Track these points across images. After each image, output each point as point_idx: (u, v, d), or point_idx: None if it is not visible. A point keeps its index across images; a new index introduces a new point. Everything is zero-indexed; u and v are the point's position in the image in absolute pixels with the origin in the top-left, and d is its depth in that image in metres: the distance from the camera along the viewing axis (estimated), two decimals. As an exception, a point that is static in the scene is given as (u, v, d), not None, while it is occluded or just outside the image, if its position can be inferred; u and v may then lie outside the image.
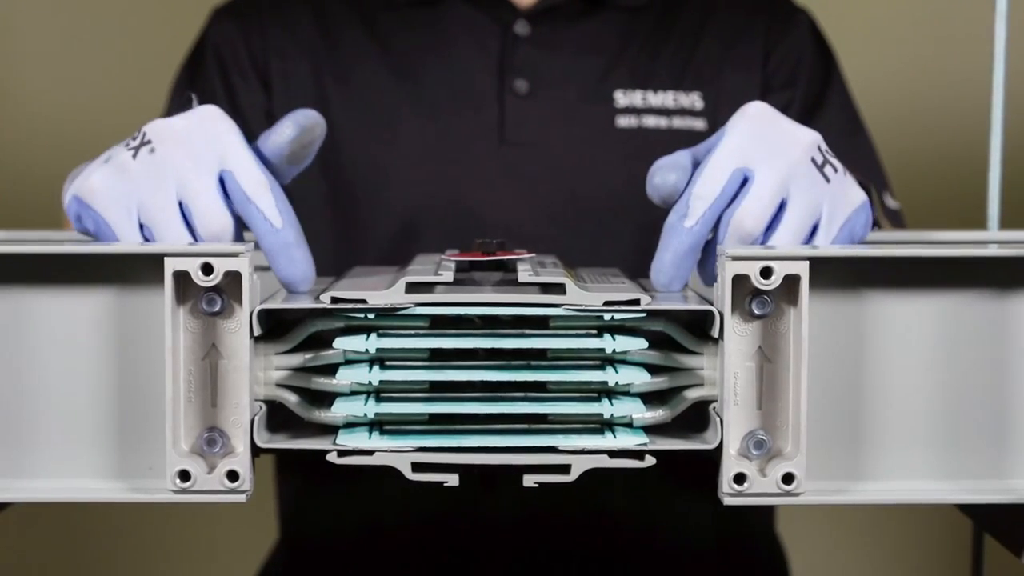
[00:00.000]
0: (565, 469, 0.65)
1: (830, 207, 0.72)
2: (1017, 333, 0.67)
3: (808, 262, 0.64)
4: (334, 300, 0.65)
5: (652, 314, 0.67)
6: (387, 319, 0.66)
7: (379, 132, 1.13)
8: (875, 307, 0.67)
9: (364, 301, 0.65)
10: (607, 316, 0.66)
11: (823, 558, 2.10)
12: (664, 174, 0.73)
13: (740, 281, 0.64)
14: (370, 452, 0.65)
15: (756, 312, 0.65)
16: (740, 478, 0.65)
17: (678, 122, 1.15)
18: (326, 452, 0.65)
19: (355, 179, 1.13)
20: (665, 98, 1.16)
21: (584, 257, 1.05)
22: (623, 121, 1.15)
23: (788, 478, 0.64)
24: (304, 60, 1.16)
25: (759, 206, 0.70)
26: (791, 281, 0.64)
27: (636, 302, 0.65)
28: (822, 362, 0.67)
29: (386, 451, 0.65)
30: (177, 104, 1.07)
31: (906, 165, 2.01)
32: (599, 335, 0.66)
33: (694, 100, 1.16)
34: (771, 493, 0.64)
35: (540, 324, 0.67)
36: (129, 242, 0.70)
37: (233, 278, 0.64)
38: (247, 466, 0.65)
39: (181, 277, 0.64)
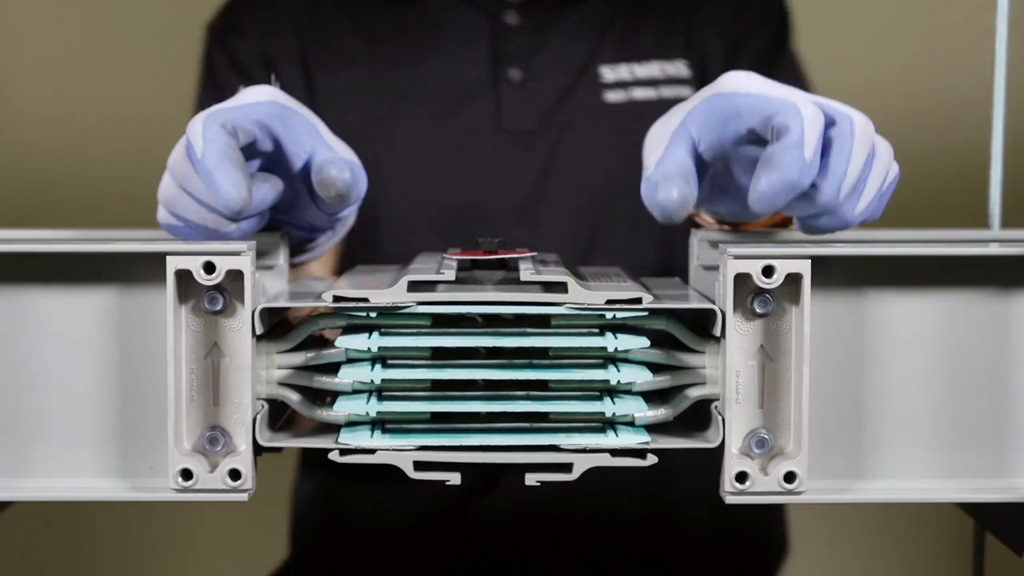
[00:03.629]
0: (567, 468, 0.65)
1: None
2: (1019, 332, 0.67)
3: (810, 261, 0.64)
4: (336, 299, 0.65)
5: (654, 313, 0.67)
6: (389, 318, 0.66)
7: (375, 129, 1.14)
8: (877, 306, 0.67)
9: (366, 300, 0.65)
10: (609, 315, 0.66)
11: (824, 557, 2.10)
12: (667, 189, 0.66)
13: (742, 280, 0.64)
14: (372, 451, 0.65)
15: (758, 311, 0.65)
16: (742, 477, 0.65)
17: (667, 92, 1.17)
18: (328, 451, 0.65)
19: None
20: (651, 69, 1.17)
21: (587, 236, 1.05)
22: (612, 96, 1.16)
23: (790, 477, 0.64)
24: (296, 61, 1.17)
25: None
26: (793, 280, 0.64)
27: (638, 301, 0.65)
28: (824, 361, 0.67)
29: (388, 450, 0.65)
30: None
31: (907, 164, 2.00)
32: (601, 334, 0.66)
33: (680, 68, 1.18)
34: (773, 492, 0.64)
35: (542, 323, 0.67)
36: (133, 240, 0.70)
37: (235, 277, 0.64)
38: (249, 465, 0.65)
39: (183, 276, 0.64)
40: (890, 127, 2.14)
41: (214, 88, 1.19)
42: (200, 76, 1.23)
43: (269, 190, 0.72)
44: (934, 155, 2.00)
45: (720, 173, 0.72)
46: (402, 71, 1.17)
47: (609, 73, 1.17)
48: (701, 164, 0.69)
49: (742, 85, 0.68)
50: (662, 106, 1.12)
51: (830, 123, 0.66)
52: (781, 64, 1.21)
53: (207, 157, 0.68)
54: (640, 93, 1.17)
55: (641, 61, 1.18)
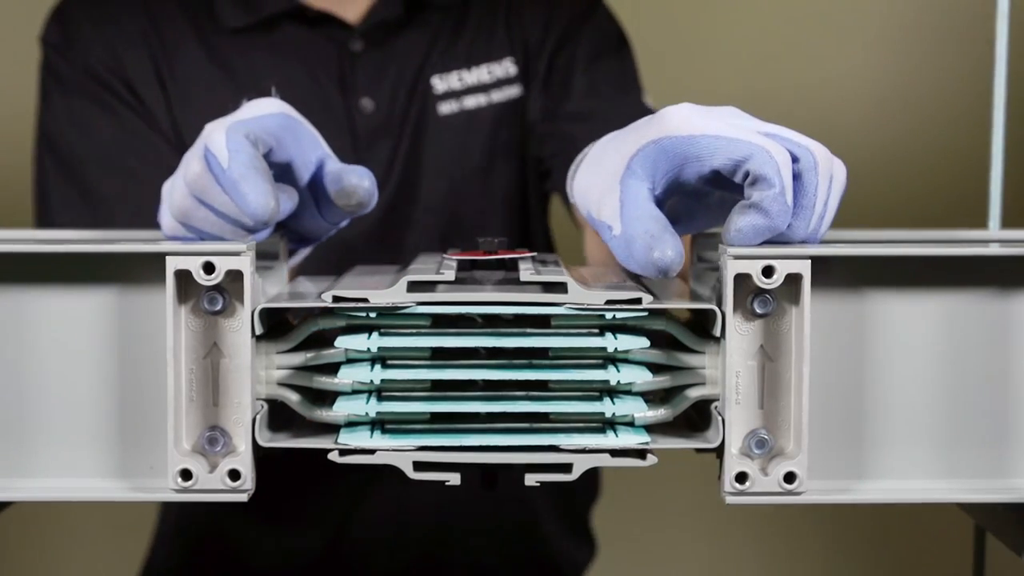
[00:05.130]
0: (567, 468, 0.65)
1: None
2: (1019, 332, 0.67)
3: (810, 261, 0.64)
4: (336, 299, 0.65)
5: (654, 313, 0.67)
6: (389, 318, 0.66)
7: None
8: (877, 306, 0.67)
9: (366, 300, 0.65)
10: (609, 315, 0.66)
11: (825, 557, 2.10)
12: (662, 249, 0.63)
13: (742, 280, 0.64)
14: (372, 451, 0.65)
15: (758, 311, 0.65)
16: (742, 477, 0.65)
17: (497, 95, 1.19)
18: (328, 451, 0.65)
19: None
20: (480, 73, 1.19)
21: (439, 251, 1.07)
22: (445, 108, 1.18)
23: (790, 477, 0.64)
24: (152, 78, 1.16)
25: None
26: (793, 280, 0.64)
27: (638, 301, 0.65)
28: (824, 361, 0.67)
29: (388, 450, 0.65)
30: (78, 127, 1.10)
31: (907, 164, 2.01)
32: (601, 334, 0.66)
33: (507, 67, 1.19)
34: (773, 492, 0.64)
35: (542, 323, 0.67)
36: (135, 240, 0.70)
37: (235, 277, 0.64)
38: (249, 465, 0.65)
39: (182, 276, 0.64)
40: (890, 127, 2.15)
41: (65, 97, 1.17)
42: (45, 87, 1.19)
43: (287, 200, 0.73)
44: (934, 155, 2.00)
45: (670, 205, 0.71)
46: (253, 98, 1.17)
47: (440, 84, 1.19)
48: (658, 205, 0.67)
49: (693, 126, 0.65)
50: (494, 110, 1.17)
51: (794, 159, 0.66)
52: (592, 23, 1.22)
53: (233, 168, 0.69)
54: (471, 101, 1.19)
55: (469, 67, 1.19)
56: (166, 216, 0.75)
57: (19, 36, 1.94)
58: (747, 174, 0.64)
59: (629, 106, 1.19)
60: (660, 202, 0.66)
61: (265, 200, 0.68)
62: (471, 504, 1.26)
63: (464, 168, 1.20)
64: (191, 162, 0.72)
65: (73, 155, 1.15)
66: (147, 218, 0.85)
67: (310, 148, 0.76)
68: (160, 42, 1.18)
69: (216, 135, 0.70)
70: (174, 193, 0.73)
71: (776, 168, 0.64)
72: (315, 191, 0.77)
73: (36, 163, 1.18)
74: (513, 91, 1.20)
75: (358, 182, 0.74)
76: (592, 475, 1.33)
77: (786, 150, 0.65)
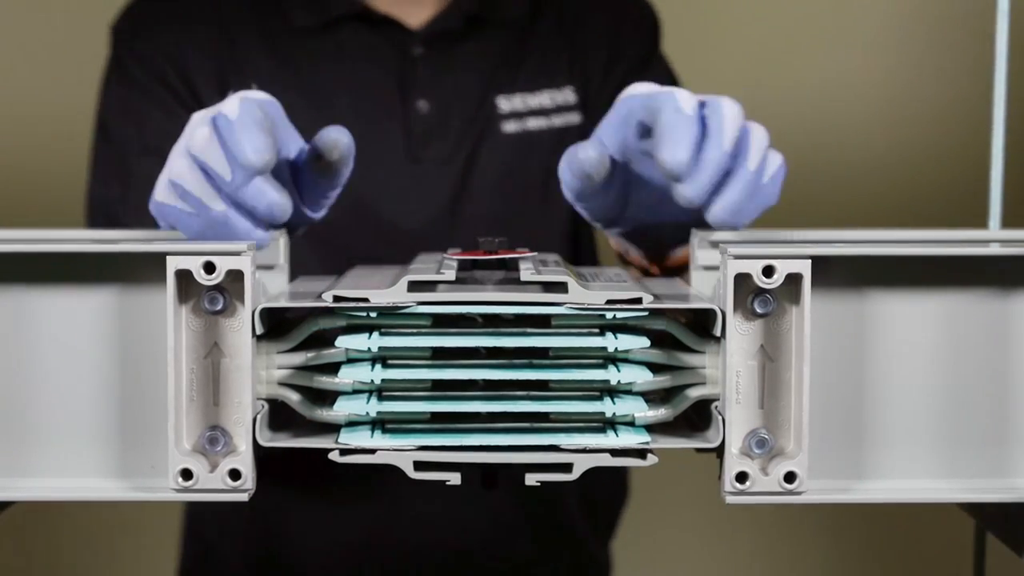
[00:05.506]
0: (567, 468, 0.65)
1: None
2: (1019, 332, 0.67)
3: (810, 261, 0.64)
4: (336, 299, 0.65)
5: (654, 313, 0.67)
6: (389, 318, 0.66)
7: None
8: (877, 306, 0.67)
9: (366, 300, 0.65)
10: (609, 315, 0.66)
11: (825, 557, 2.10)
12: (584, 149, 0.78)
13: (742, 280, 0.64)
14: (372, 451, 0.65)
15: (758, 311, 0.65)
16: (742, 477, 0.65)
17: (558, 120, 1.23)
18: (328, 451, 0.65)
19: None
20: (542, 98, 1.23)
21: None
22: (509, 127, 1.23)
23: (790, 477, 0.64)
24: (213, 78, 1.19)
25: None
26: (793, 280, 0.64)
27: (638, 301, 0.65)
28: (824, 361, 0.67)
29: (388, 450, 0.65)
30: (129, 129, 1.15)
31: (907, 164, 2.01)
32: (601, 334, 0.66)
33: (568, 95, 1.25)
34: (773, 492, 0.64)
35: (542, 323, 0.67)
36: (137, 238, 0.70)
37: (235, 277, 0.64)
38: (249, 465, 0.65)
39: (183, 276, 0.64)
40: (891, 127, 2.14)
41: (125, 87, 1.20)
42: (108, 76, 1.23)
43: (286, 199, 0.74)
44: (934, 155, 2.00)
45: (631, 181, 0.84)
46: (314, 98, 1.20)
47: (505, 104, 1.23)
48: (613, 165, 0.82)
49: (635, 90, 0.80)
50: (553, 134, 1.22)
51: (702, 104, 0.76)
52: (653, 68, 1.27)
53: (240, 118, 0.71)
54: (534, 123, 1.23)
55: (533, 91, 1.24)
56: (161, 180, 0.76)
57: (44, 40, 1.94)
58: (656, 111, 0.76)
59: None
60: (616, 163, 0.82)
61: (261, 150, 0.71)
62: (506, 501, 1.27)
63: (521, 187, 1.23)
64: (198, 125, 0.74)
65: (121, 142, 1.19)
66: None
67: (292, 140, 0.78)
68: (228, 41, 1.21)
69: (231, 101, 0.73)
70: (173, 154, 0.75)
71: (675, 98, 0.76)
72: (296, 182, 0.79)
73: (92, 142, 1.22)
74: (573, 118, 1.24)
75: (338, 136, 0.76)
76: (622, 479, 1.36)
77: (694, 96, 0.77)
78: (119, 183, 1.17)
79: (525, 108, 1.23)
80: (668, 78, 1.27)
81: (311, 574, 1.25)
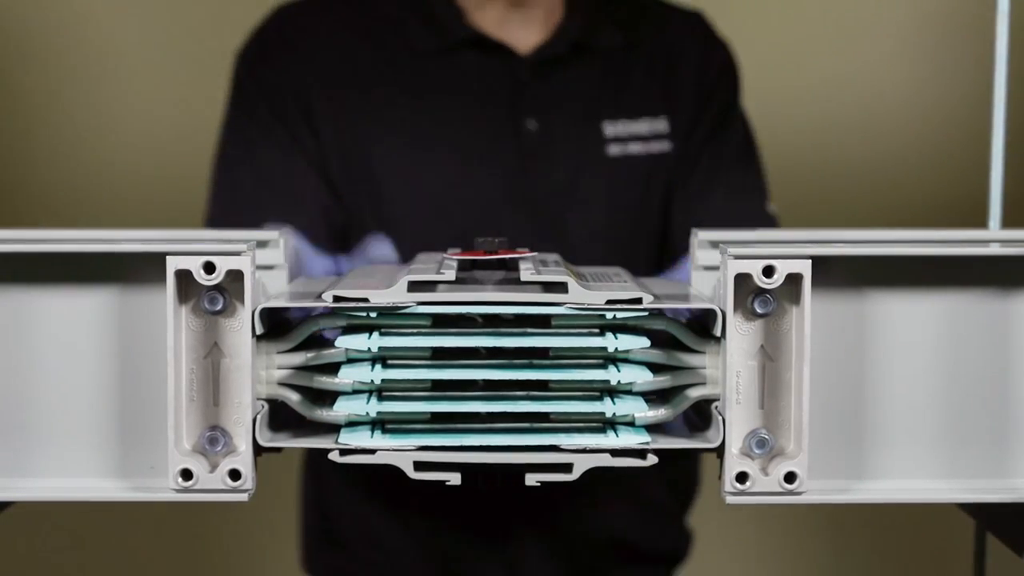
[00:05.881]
0: (567, 468, 0.65)
1: None
2: (1019, 332, 0.67)
3: (810, 261, 0.64)
4: (336, 299, 0.65)
5: (654, 313, 0.67)
6: (389, 318, 0.66)
7: (417, 169, 1.27)
8: (877, 306, 0.67)
9: (366, 300, 0.65)
10: (609, 315, 0.66)
11: (824, 557, 2.10)
12: None
13: (742, 280, 0.64)
14: (372, 451, 0.65)
15: (758, 311, 0.65)
16: (742, 477, 0.65)
17: (654, 147, 1.33)
18: (328, 451, 0.65)
19: (399, 212, 1.27)
20: (641, 125, 1.33)
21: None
22: (613, 150, 1.31)
23: (790, 477, 0.64)
24: (332, 109, 1.28)
25: None
26: (793, 280, 0.64)
27: (638, 301, 0.65)
28: (824, 361, 0.67)
29: (388, 450, 0.65)
30: (242, 152, 1.27)
31: (907, 164, 2.01)
32: (601, 334, 0.66)
33: (662, 124, 1.34)
34: (773, 492, 0.64)
35: (542, 323, 0.67)
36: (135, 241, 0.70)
37: (235, 277, 0.64)
38: (249, 465, 0.65)
39: (183, 276, 0.64)
40: (891, 127, 2.14)
41: (244, 116, 1.28)
42: (230, 101, 1.31)
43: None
44: (934, 155, 2.00)
45: None
46: (432, 119, 1.28)
47: (610, 129, 1.32)
48: None
49: None
50: (651, 160, 1.31)
51: None
52: (732, 121, 1.37)
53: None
54: (634, 148, 1.32)
55: (633, 118, 1.33)
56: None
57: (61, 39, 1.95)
58: None
59: (751, 213, 1.36)
60: None
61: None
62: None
63: (622, 207, 1.32)
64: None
65: (236, 170, 1.28)
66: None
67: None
68: (351, 67, 1.29)
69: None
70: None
71: None
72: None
73: (213, 165, 1.31)
74: (665, 146, 1.33)
75: (379, 253, 0.96)
76: (692, 472, 1.44)
77: None
78: (234, 213, 1.26)
79: (627, 134, 1.31)
80: (744, 132, 1.37)
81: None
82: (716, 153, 1.38)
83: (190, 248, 0.64)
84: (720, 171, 1.37)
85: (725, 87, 1.38)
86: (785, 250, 0.64)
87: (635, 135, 1.32)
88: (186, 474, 0.64)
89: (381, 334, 0.66)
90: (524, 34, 1.31)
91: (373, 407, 0.65)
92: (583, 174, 1.31)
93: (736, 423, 0.65)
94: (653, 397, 0.68)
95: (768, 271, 0.63)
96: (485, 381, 0.66)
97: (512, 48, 1.30)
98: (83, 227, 0.76)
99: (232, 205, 1.27)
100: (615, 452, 0.66)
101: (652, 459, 0.66)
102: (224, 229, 1.21)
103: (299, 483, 1.41)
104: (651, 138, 1.33)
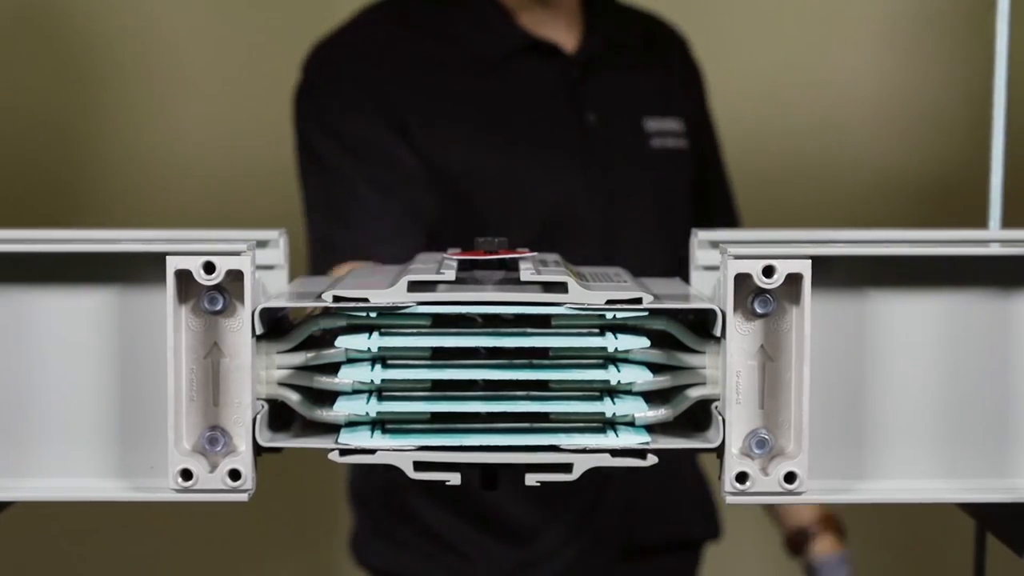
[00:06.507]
0: (567, 468, 0.65)
1: None
2: (1019, 332, 0.67)
3: (810, 261, 0.64)
4: (336, 299, 0.65)
5: (654, 313, 0.67)
6: (389, 318, 0.66)
7: (499, 167, 1.34)
8: (877, 306, 0.67)
9: (366, 300, 0.65)
10: (609, 315, 0.66)
11: (823, 558, 2.09)
12: None
13: (742, 280, 0.64)
14: (372, 451, 0.65)
15: (758, 311, 0.64)
16: (742, 477, 0.65)
17: (681, 143, 1.42)
18: (328, 451, 0.65)
19: (480, 205, 1.33)
20: (669, 123, 1.42)
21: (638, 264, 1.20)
22: (655, 143, 1.40)
23: (790, 477, 0.64)
24: (420, 110, 1.33)
25: None
26: (793, 280, 0.64)
27: (638, 301, 0.65)
28: (824, 361, 0.67)
29: (388, 450, 0.65)
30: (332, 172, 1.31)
31: (908, 164, 2.01)
32: (601, 334, 0.66)
33: (682, 123, 1.43)
34: (773, 492, 0.64)
35: (542, 323, 0.67)
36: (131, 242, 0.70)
37: (235, 277, 0.64)
38: (249, 465, 0.65)
39: (183, 276, 0.64)
40: (891, 127, 2.14)
41: (345, 121, 1.33)
42: (299, 112, 1.36)
43: None
44: (935, 155, 2.00)
45: None
46: (495, 120, 1.35)
47: (652, 124, 1.41)
48: None
49: None
50: (680, 155, 1.41)
51: None
52: (711, 121, 1.52)
53: None
54: (671, 142, 1.41)
55: (666, 116, 1.42)
56: None
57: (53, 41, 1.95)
58: None
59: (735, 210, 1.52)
60: None
61: None
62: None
63: (664, 198, 1.41)
64: None
65: (340, 180, 1.32)
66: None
67: None
68: (417, 74, 1.35)
69: None
70: None
71: None
72: None
73: (303, 182, 1.37)
74: (684, 143, 1.43)
75: None
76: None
77: None
78: (340, 223, 1.31)
79: (663, 129, 1.41)
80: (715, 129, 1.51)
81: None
82: (715, 158, 1.50)
83: (190, 248, 0.64)
84: (722, 177, 1.50)
85: (706, 90, 1.50)
86: (785, 250, 0.64)
87: (667, 131, 1.41)
88: (186, 474, 0.64)
89: (381, 334, 0.66)
90: (559, 32, 1.38)
91: (373, 407, 0.65)
92: (635, 166, 1.39)
93: (736, 423, 0.65)
94: (653, 397, 0.68)
95: (768, 271, 0.63)
96: (485, 381, 0.66)
97: (561, 48, 1.37)
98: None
99: (345, 246, 1.29)
100: (615, 452, 0.66)
101: (652, 459, 0.66)
102: (341, 248, 1.27)
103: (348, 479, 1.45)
104: (678, 135, 1.42)
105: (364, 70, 1.34)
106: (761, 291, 0.64)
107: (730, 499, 0.65)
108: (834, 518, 1.42)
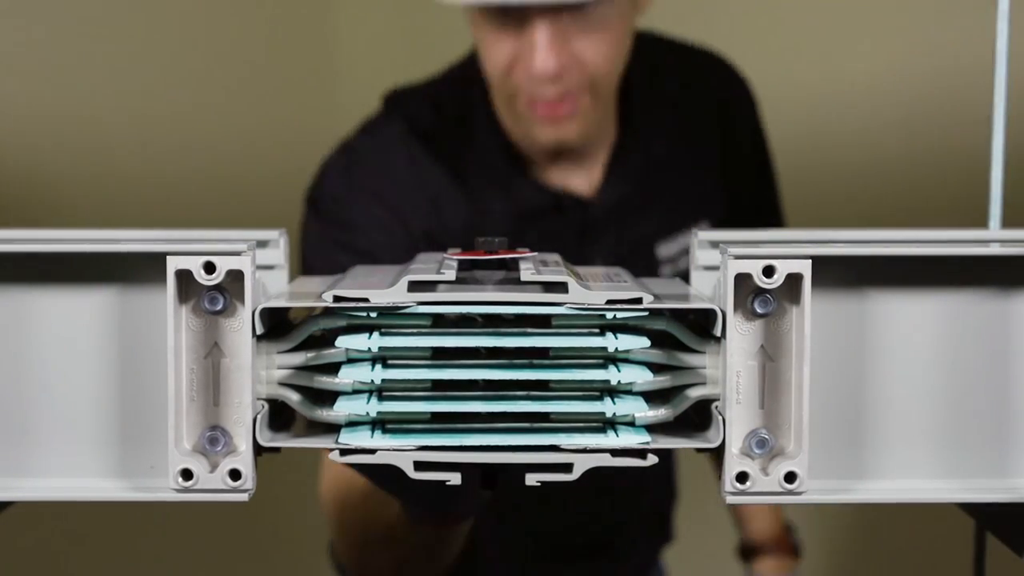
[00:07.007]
0: (567, 468, 0.65)
1: None
2: (1019, 332, 0.67)
3: (811, 261, 0.64)
4: (336, 299, 0.65)
5: (654, 313, 0.67)
6: (389, 318, 0.66)
7: None
8: (878, 306, 0.67)
9: (366, 300, 0.65)
10: (609, 315, 0.66)
11: (824, 557, 2.10)
12: None
13: (742, 280, 0.64)
14: (372, 451, 0.65)
15: (758, 311, 0.65)
16: (742, 477, 0.65)
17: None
18: (328, 451, 0.65)
19: None
20: (687, 238, 1.40)
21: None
22: (665, 271, 1.35)
23: (790, 477, 0.64)
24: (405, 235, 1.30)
25: None
26: (793, 280, 0.64)
27: (638, 301, 0.65)
28: (824, 361, 0.67)
29: (388, 450, 0.65)
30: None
31: (907, 164, 2.01)
32: (601, 334, 0.66)
33: (709, 217, 1.40)
34: (773, 492, 0.64)
35: (542, 323, 0.67)
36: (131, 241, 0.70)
37: (235, 277, 0.64)
38: (249, 465, 0.65)
39: (183, 275, 0.64)
40: (891, 127, 2.14)
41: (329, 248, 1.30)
42: (312, 229, 1.33)
43: None
44: (934, 155, 2.00)
45: None
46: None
47: (664, 250, 1.36)
48: None
49: None
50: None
51: None
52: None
53: None
54: (684, 263, 1.33)
55: (684, 230, 1.37)
56: None
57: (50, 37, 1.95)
58: None
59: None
60: None
61: None
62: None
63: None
64: None
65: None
66: None
67: None
68: (436, 215, 1.32)
69: None
70: None
71: None
72: None
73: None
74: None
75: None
76: (668, 476, 1.49)
77: None
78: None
79: (679, 250, 1.36)
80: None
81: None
82: (764, 198, 1.49)
83: (190, 248, 0.64)
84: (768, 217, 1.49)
85: (752, 124, 1.47)
86: (785, 250, 0.64)
87: (683, 251, 1.36)
88: (186, 474, 0.64)
89: (381, 334, 0.66)
90: (581, 176, 1.35)
91: (373, 407, 0.65)
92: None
93: (736, 423, 0.65)
94: (653, 397, 0.68)
95: (768, 271, 0.63)
96: (485, 381, 0.66)
97: (578, 196, 1.34)
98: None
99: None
100: (615, 452, 0.66)
101: (652, 459, 0.66)
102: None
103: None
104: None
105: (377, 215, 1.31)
106: (761, 291, 0.64)
107: (730, 499, 0.65)
108: (788, 540, 1.42)
